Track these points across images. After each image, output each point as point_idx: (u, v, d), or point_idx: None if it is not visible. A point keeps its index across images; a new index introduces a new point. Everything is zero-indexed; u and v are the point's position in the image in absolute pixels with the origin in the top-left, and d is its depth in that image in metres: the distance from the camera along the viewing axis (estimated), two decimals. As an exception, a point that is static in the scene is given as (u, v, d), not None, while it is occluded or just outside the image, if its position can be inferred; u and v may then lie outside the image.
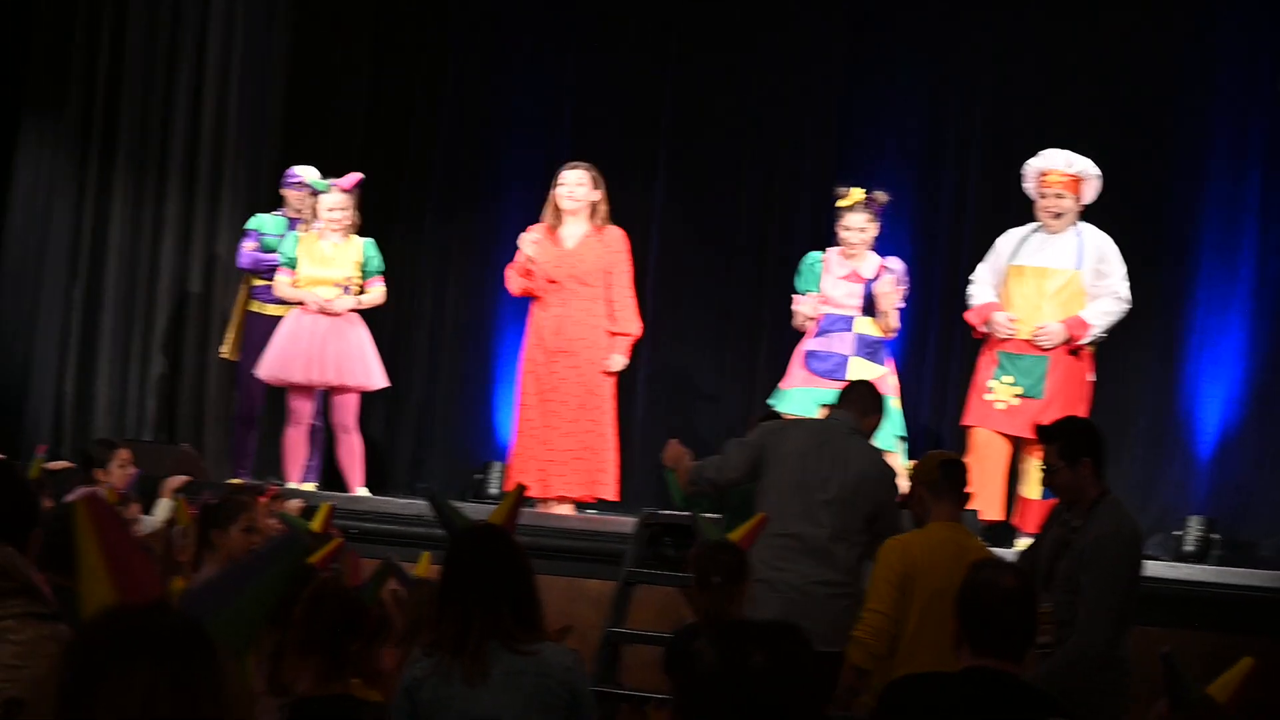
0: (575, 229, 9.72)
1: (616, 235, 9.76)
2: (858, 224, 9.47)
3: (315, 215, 10.14)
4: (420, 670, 4.43)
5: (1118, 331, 9.68)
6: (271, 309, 10.46)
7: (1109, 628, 5.98)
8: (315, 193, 10.15)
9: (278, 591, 2.54)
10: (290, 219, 10.57)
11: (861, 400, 7.31)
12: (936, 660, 5.38)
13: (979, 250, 9.86)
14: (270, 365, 10.05)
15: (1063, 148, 9.53)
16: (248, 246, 10.60)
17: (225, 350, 10.90)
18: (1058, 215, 9.39)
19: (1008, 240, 9.59)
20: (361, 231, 10.21)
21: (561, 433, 9.64)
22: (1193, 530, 10.19)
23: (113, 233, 11.30)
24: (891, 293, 9.41)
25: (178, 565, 6.78)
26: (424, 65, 12.25)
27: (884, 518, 7.06)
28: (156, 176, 11.43)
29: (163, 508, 8.02)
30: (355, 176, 10.13)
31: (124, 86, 11.31)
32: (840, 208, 9.53)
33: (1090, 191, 9.49)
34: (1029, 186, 9.58)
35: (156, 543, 7.16)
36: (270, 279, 10.40)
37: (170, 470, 9.16)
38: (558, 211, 9.72)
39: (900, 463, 8.99)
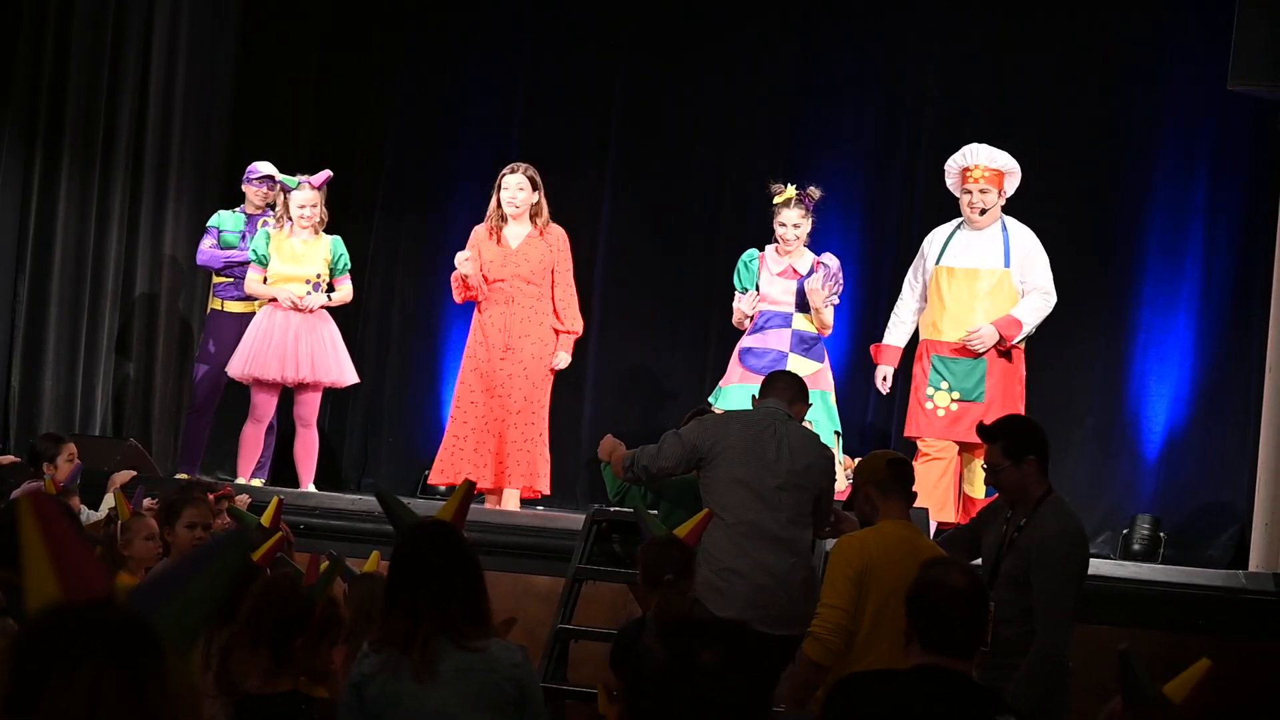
0: (518, 230, 9.77)
1: (559, 235, 9.81)
2: (792, 219, 9.49)
3: (287, 212, 10.06)
4: (368, 666, 4.41)
5: (1065, 330, 9.70)
6: (233, 306, 10.40)
7: (1067, 629, 6.01)
8: (286, 189, 10.07)
9: (223, 587, 2.51)
10: (249, 215, 10.52)
11: (789, 388, 7.39)
12: (891, 658, 5.38)
13: (928, 249, 9.86)
14: (243, 363, 10.00)
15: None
16: (206, 244, 10.53)
17: None
18: (983, 211, 9.39)
19: (933, 242, 9.59)
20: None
21: (505, 425, 9.67)
22: (1140, 529, 10.24)
23: (59, 227, 11.21)
24: (820, 290, 9.41)
25: (121, 559, 6.75)
26: (374, 62, 12.21)
27: (824, 500, 7.25)
28: (103, 171, 11.34)
29: (109, 503, 7.97)
30: (326, 174, 10.09)
31: (69, 81, 11.21)
32: (775, 204, 9.54)
33: (1012, 185, 9.49)
34: (952, 183, 9.57)
35: (97, 533, 7.11)
36: (230, 276, 10.35)
37: (117, 465, 9.10)
38: (501, 214, 9.75)
39: (837, 457, 9.02)
